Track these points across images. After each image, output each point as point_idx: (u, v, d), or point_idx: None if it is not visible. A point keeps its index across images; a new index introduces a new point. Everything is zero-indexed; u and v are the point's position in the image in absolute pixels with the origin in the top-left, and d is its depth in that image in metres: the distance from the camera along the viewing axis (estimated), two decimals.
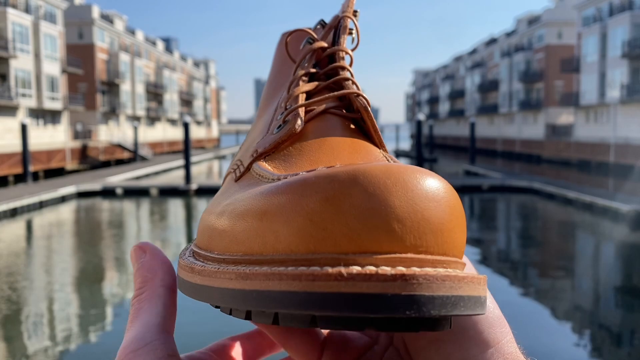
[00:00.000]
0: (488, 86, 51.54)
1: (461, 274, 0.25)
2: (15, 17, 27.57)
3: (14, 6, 28.39)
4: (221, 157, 47.30)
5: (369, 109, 0.38)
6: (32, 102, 28.70)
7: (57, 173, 29.03)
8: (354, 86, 0.39)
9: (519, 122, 44.28)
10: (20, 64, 27.95)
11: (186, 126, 21.86)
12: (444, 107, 68.55)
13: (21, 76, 28.02)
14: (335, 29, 0.42)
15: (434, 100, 75.47)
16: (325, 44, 0.42)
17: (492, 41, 54.40)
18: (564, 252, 12.02)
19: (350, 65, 0.41)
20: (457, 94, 62.86)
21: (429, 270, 0.24)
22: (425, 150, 39.25)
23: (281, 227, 0.25)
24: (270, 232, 0.26)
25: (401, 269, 0.23)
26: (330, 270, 0.23)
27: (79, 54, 37.24)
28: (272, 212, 0.26)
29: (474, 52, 59.98)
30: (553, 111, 40.32)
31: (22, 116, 27.56)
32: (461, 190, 21.16)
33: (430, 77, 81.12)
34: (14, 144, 26.24)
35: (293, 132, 0.36)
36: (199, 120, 66.19)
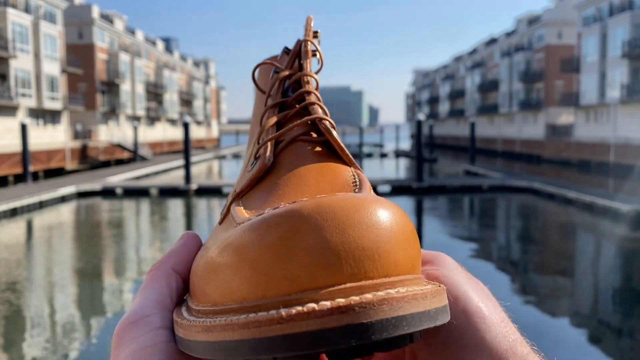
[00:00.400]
0: (488, 86, 51.53)
1: (401, 294, 0.25)
2: (15, 17, 27.57)
3: (14, 6, 28.38)
4: (221, 157, 47.29)
5: (332, 131, 0.38)
6: (32, 102, 28.69)
7: (57, 173, 29.04)
8: (320, 109, 0.40)
9: (519, 122, 44.27)
10: (20, 64, 27.94)
11: (186, 126, 21.86)
12: (444, 107, 68.54)
13: (21, 76, 28.01)
14: (298, 54, 0.43)
15: (434, 100, 75.46)
16: (287, 72, 0.42)
17: (492, 41, 54.40)
18: (564, 252, 12.01)
19: (317, 88, 0.42)
20: (457, 94, 62.86)
21: (367, 296, 0.24)
22: (425, 150, 39.24)
23: (233, 278, 0.26)
24: (225, 283, 0.27)
25: (339, 301, 0.24)
26: (272, 314, 0.24)
27: (79, 54, 37.24)
28: (224, 264, 0.27)
29: (474, 52, 59.98)
30: (553, 111, 40.31)
31: (22, 116, 27.55)
32: (461, 190, 21.17)
33: (430, 77, 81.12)
34: (13, 144, 26.24)
35: (263, 167, 0.37)
36: (198, 120, 66.19)
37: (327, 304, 0.24)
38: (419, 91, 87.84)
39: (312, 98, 0.41)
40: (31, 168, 24.70)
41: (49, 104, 30.12)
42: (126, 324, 0.32)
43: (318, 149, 0.38)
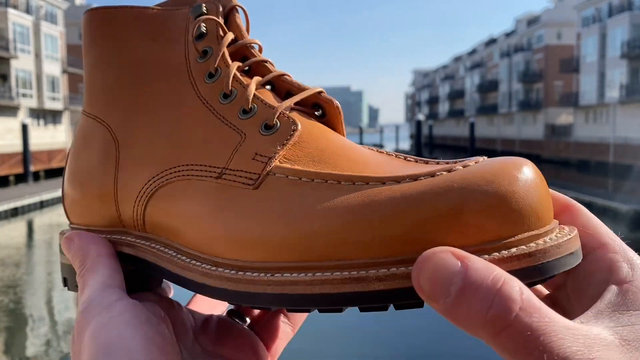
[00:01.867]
0: (487, 86, 51.59)
1: (565, 238, 0.31)
2: (16, 18, 27.63)
3: (15, 6, 28.44)
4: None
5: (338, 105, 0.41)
6: (32, 102, 28.75)
7: (58, 173, 29.09)
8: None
9: (519, 122, 44.34)
10: (21, 64, 28.00)
11: None
12: (443, 107, 68.60)
13: (22, 76, 28.07)
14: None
15: (433, 101, 75.52)
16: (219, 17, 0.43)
17: (491, 41, 54.46)
18: None
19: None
20: (456, 94, 62.92)
21: (549, 240, 0.30)
22: (425, 151, 39.31)
23: (488, 220, 0.29)
24: (477, 226, 0.29)
25: (544, 242, 0.30)
26: (523, 249, 0.29)
27: (80, 54, 37.27)
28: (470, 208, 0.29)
29: (473, 52, 60.05)
30: (552, 111, 40.37)
31: (22, 116, 27.61)
32: None
33: (430, 78, 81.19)
34: (14, 144, 26.30)
35: (295, 131, 0.37)
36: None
37: (539, 244, 0.29)
38: (418, 91, 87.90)
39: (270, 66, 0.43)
40: (32, 168, 24.77)
41: (49, 104, 30.18)
42: (81, 311, 0.33)
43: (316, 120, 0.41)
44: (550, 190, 0.33)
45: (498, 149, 48.30)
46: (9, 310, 7.89)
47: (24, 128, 22.68)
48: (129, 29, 0.43)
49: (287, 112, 0.38)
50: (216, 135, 0.38)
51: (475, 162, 0.31)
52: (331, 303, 0.30)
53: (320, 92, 0.40)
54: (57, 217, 16.53)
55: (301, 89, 0.41)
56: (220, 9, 0.42)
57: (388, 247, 0.29)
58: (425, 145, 41.91)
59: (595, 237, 0.33)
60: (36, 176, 26.45)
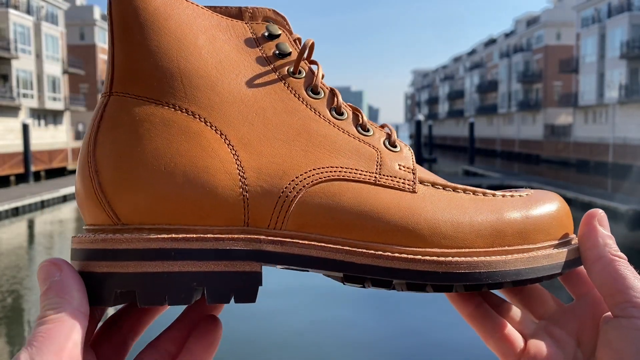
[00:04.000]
0: (487, 87, 51.63)
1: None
2: (17, 18, 27.67)
3: (16, 7, 28.48)
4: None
5: None
6: (33, 103, 28.80)
7: (58, 173, 29.13)
8: None
9: (518, 123, 44.37)
10: (22, 65, 28.05)
11: None
12: (443, 108, 68.64)
13: (23, 76, 28.12)
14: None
15: (433, 101, 75.56)
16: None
17: (491, 42, 54.50)
18: None
19: None
20: (456, 95, 62.96)
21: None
22: (425, 151, 39.33)
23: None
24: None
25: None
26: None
27: (81, 54, 37.32)
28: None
29: (473, 52, 60.09)
30: (552, 111, 40.41)
31: (23, 116, 27.65)
32: None
33: (430, 78, 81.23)
34: (15, 144, 26.34)
35: (413, 153, 0.48)
36: None
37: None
38: (418, 92, 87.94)
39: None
40: (33, 168, 24.81)
41: (50, 105, 30.23)
42: None
43: None
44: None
45: (497, 149, 48.34)
46: (8, 311, 7.95)
47: (25, 128, 22.74)
48: (198, 20, 0.44)
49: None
50: (348, 144, 0.44)
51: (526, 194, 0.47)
52: (529, 273, 0.43)
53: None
54: (58, 216, 16.57)
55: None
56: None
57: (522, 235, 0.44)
58: (424, 145, 41.93)
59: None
60: (37, 176, 26.50)
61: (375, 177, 0.43)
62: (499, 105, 48.26)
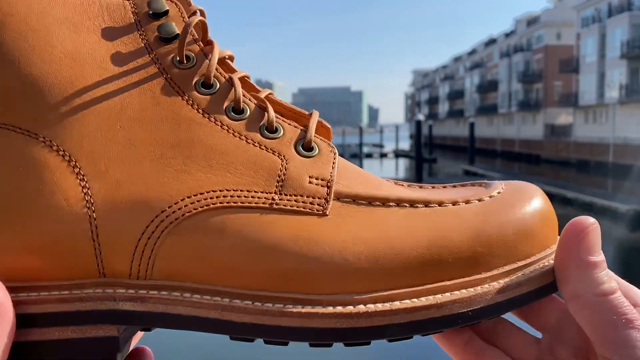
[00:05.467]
0: (487, 86, 51.63)
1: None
2: None
3: None
4: None
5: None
6: None
7: None
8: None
9: (518, 122, 44.36)
10: None
11: None
12: (443, 108, 68.63)
13: None
14: None
15: (433, 101, 75.56)
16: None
17: (491, 42, 54.49)
18: None
19: None
20: (456, 95, 62.95)
21: None
22: (425, 151, 39.24)
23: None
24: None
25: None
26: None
27: None
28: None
29: (473, 52, 60.08)
30: (552, 111, 40.39)
31: None
32: None
33: (430, 78, 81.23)
34: None
35: (336, 154, 0.36)
36: None
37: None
38: (418, 91, 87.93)
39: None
40: None
41: None
42: None
43: None
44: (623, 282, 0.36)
45: (498, 149, 48.32)
46: None
47: None
48: (55, 10, 0.35)
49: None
50: (243, 155, 0.34)
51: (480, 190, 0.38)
52: (479, 314, 0.32)
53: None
54: None
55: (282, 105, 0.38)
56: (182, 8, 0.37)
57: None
58: (425, 145, 41.89)
59: None
60: None
61: (272, 199, 0.33)
62: (499, 105, 48.26)
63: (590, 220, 0.33)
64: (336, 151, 0.36)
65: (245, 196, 0.33)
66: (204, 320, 0.32)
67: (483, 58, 55.51)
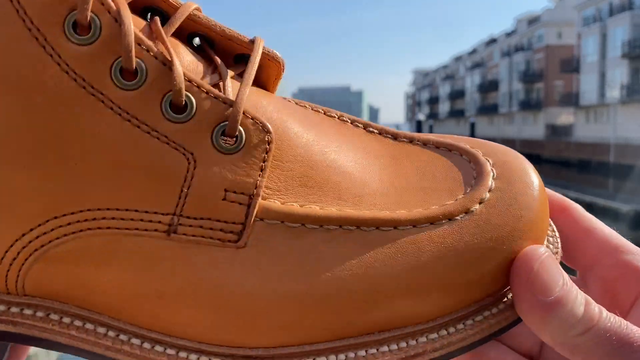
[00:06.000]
0: (488, 86, 51.57)
1: None
2: None
3: None
4: None
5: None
6: None
7: None
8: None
9: (519, 122, 44.34)
10: None
11: None
12: (443, 107, 68.58)
13: None
14: None
15: (433, 101, 75.50)
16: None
17: (491, 41, 54.44)
18: None
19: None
20: (457, 94, 62.89)
21: None
22: None
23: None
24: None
25: None
26: None
27: None
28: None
29: (473, 52, 60.01)
30: (553, 111, 40.35)
31: None
32: None
33: (430, 77, 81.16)
34: None
35: (270, 142, 0.24)
36: None
37: None
38: (418, 91, 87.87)
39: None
40: None
41: None
42: None
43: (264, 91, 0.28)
44: (545, 189, 0.30)
45: None
46: None
47: None
48: None
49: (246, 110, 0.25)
50: (133, 153, 0.23)
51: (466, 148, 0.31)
52: None
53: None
54: None
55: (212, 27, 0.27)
56: None
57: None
58: None
59: (604, 240, 0.31)
60: None
61: (170, 222, 0.23)
62: (499, 105, 48.22)
63: (538, 252, 0.27)
64: (272, 137, 0.24)
65: (132, 219, 0.23)
66: (88, 353, 0.25)
67: (484, 58, 55.45)
